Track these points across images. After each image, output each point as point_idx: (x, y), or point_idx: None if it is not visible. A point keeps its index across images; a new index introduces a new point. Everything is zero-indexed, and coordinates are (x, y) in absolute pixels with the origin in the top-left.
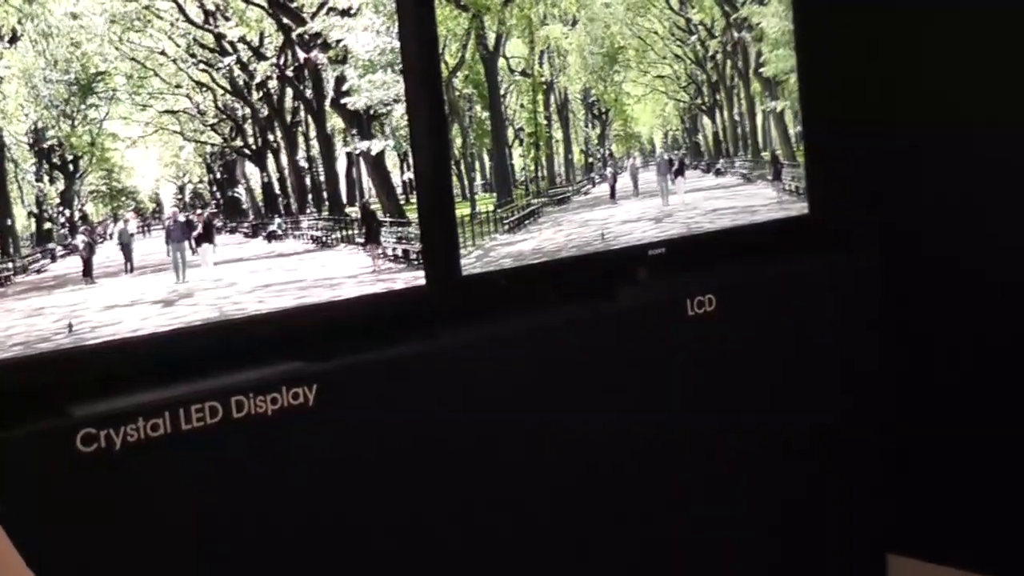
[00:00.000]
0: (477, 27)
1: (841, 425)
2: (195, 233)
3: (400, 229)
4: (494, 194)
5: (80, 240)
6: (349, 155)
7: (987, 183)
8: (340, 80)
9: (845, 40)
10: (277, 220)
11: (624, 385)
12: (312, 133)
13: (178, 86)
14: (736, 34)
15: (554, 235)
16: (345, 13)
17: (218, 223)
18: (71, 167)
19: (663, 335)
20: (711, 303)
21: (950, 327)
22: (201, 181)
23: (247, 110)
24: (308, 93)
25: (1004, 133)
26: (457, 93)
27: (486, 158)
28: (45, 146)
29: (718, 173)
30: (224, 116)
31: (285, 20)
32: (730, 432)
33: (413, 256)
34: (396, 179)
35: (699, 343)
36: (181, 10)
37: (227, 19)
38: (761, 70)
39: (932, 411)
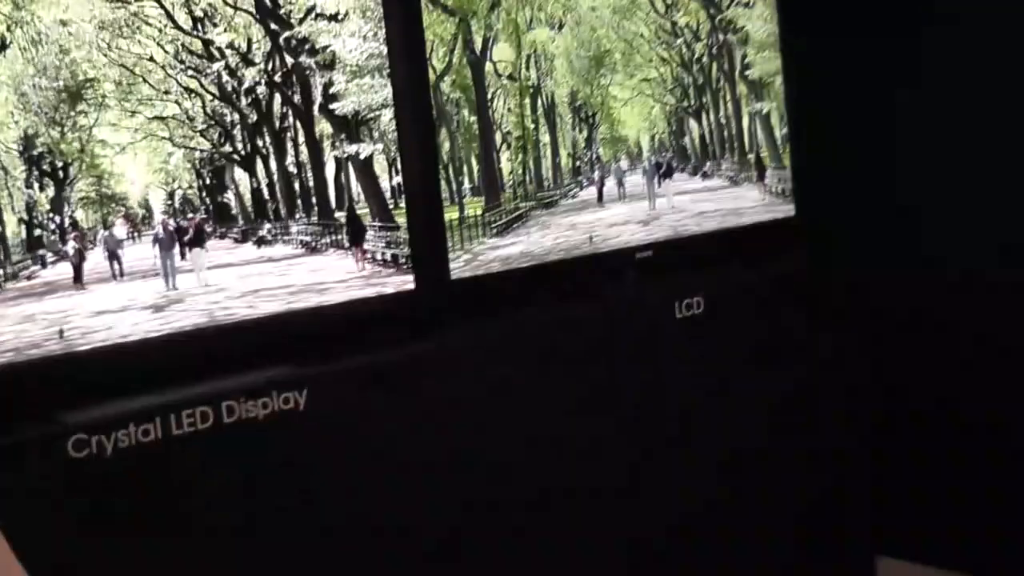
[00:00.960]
0: (464, 32)
1: (830, 427)
2: (186, 238)
3: (388, 233)
4: (482, 198)
5: (70, 246)
6: (337, 160)
7: (971, 186)
8: (328, 85)
9: (830, 42)
10: (267, 225)
11: (613, 387)
12: (300, 138)
13: (167, 92)
14: (721, 37)
15: (542, 239)
16: (333, 18)
17: (208, 228)
18: (61, 173)
19: (652, 337)
20: (699, 305)
21: (936, 328)
22: (191, 187)
23: (236, 116)
24: (296, 98)
25: (991, 135)
26: (445, 98)
27: (474, 162)
28: (35, 153)
29: (704, 176)
30: (213, 122)
31: (273, 26)
32: (719, 435)
33: (402, 260)
34: (385, 183)
35: (687, 345)
36: (169, 16)
37: (215, 25)
38: (747, 73)
39: (920, 413)
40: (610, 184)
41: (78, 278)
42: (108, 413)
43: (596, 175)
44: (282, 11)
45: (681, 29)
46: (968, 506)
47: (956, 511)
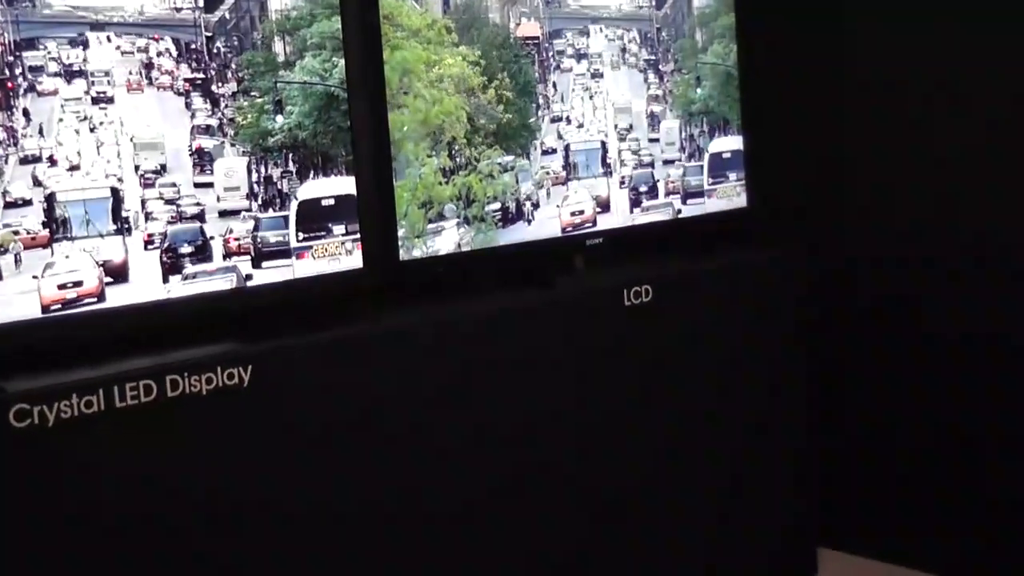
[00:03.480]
0: None
1: (772, 418)
2: None
3: None
4: None
5: None
6: None
7: (915, 181)
8: None
9: (782, 39)
10: None
11: (559, 373)
12: None
13: None
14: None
15: None
16: None
17: None
18: None
19: (600, 324)
20: (647, 293)
21: (886, 320)
22: None
23: None
24: None
25: (938, 133)
26: None
27: None
28: None
29: None
30: None
31: None
32: (663, 423)
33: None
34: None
35: (635, 333)
36: None
37: None
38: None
39: (865, 406)
40: None
41: None
42: (51, 384)
43: None
44: None
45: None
46: (906, 499)
47: (895, 504)
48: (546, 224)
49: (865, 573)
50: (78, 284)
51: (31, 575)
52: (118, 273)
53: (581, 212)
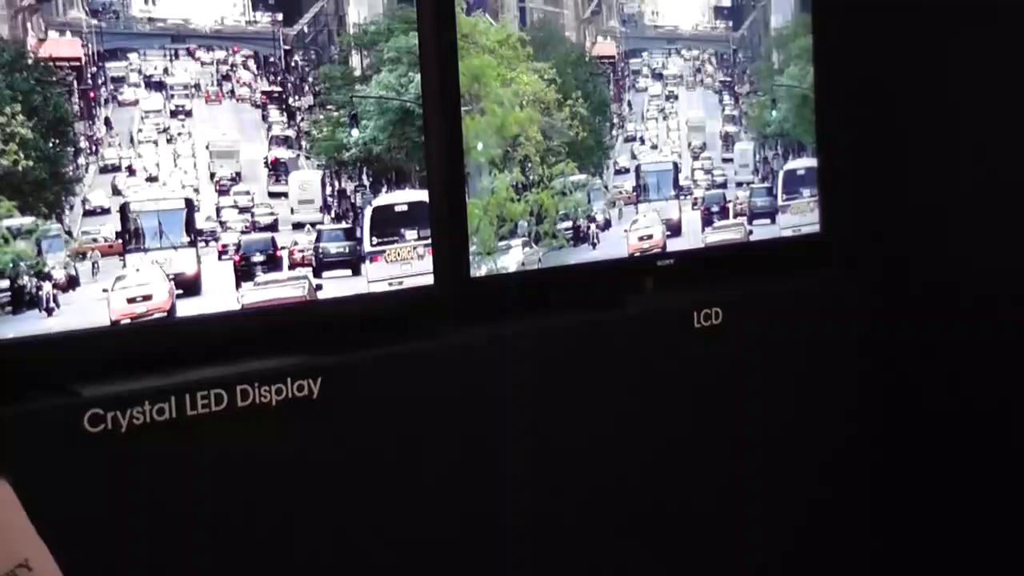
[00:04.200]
0: None
1: (841, 445)
2: None
3: None
4: None
5: None
6: None
7: (989, 206)
8: None
9: (861, 58)
10: None
11: (626, 394)
12: None
13: None
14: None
15: None
16: None
17: None
18: None
19: (669, 346)
20: (717, 316)
21: (957, 345)
22: None
23: None
24: None
25: (1014, 159)
26: None
27: None
28: None
29: None
30: None
31: None
32: (728, 446)
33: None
34: None
35: (704, 355)
36: None
37: None
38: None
39: (932, 433)
40: None
41: None
42: (124, 390)
43: None
44: None
45: None
46: (978, 534)
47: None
48: (615, 245)
49: None
50: (147, 298)
51: None
52: (190, 286)
53: (650, 237)
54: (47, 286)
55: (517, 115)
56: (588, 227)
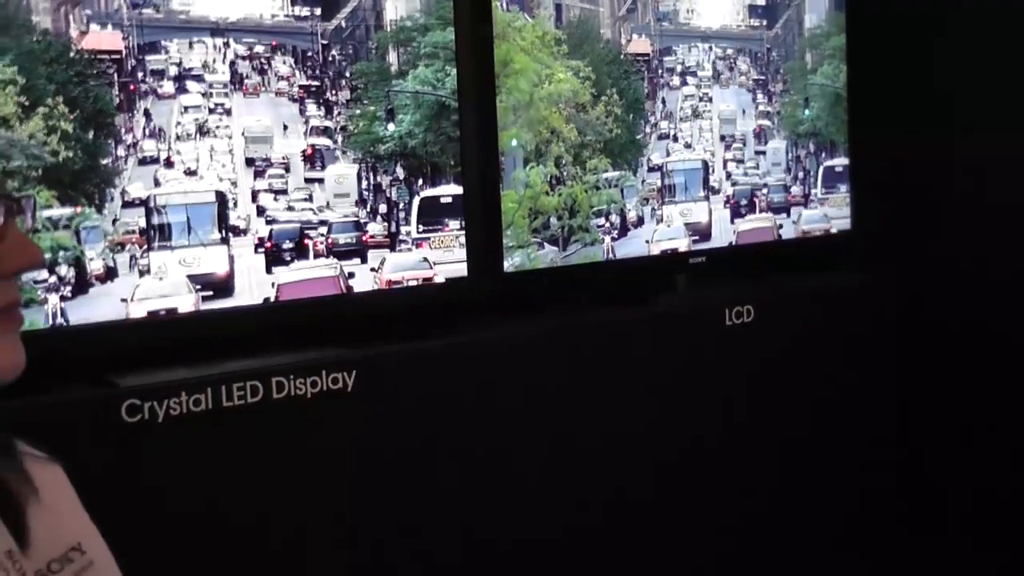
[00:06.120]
0: None
1: (868, 445)
2: None
3: None
4: None
5: None
6: None
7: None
8: None
9: (894, 57)
10: None
11: (657, 391)
12: None
13: None
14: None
15: None
16: None
17: None
18: None
19: (700, 344)
20: (749, 314)
21: (990, 345)
22: None
23: None
24: None
25: None
26: None
27: None
28: None
29: None
30: None
31: None
32: (757, 443)
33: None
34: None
35: (736, 353)
36: None
37: None
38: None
39: (956, 435)
40: None
41: None
42: (161, 381)
43: None
44: None
45: None
46: (1002, 534)
47: (988, 539)
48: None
49: None
50: (171, 311)
51: (134, 566)
52: (220, 287)
53: (674, 251)
54: (53, 297)
55: (551, 88)
56: (604, 239)
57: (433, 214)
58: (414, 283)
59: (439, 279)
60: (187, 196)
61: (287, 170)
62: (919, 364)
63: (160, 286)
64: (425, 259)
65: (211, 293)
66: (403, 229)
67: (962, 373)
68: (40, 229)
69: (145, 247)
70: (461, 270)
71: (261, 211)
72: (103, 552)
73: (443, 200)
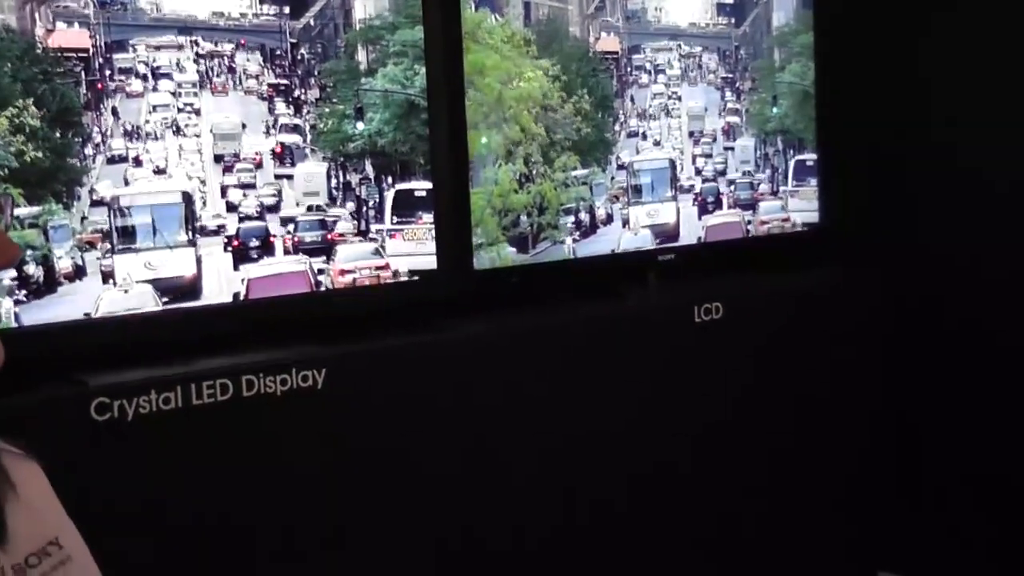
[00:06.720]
0: None
1: (839, 439)
2: None
3: None
4: None
5: None
6: None
7: (994, 202)
8: None
9: (862, 55)
10: None
11: (626, 388)
12: None
13: None
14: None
15: None
16: None
17: None
18: None
19: (669, 340)
20: (718, 311)
21: (951, 343)
22: None
23: None
24: None
25: (1019, 154)
26: None
27: None
28: None
29: None
30: None
31: None
32: (728, 440)
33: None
34: None
35: (704, 350)
36: None
37: None
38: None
39: (930, 424)
40: None
41: None
42: (131, 379)
43: None
44: None
45: None
46: (972, 525)
47: (960, 530)
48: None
49: None
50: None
51: (106, 563)
52: (186, 292)
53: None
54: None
55: (510, 92)
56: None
57: (407, 206)
58: (367, 272)
59: (395, 269)
60: (152, 196)
61: (259, 166)
62: (892, 358)
63: (124, 299)
64: (377, 250)
65: (171, 300)
66: (373, 227)
67: (936, 365)
68: (8, 227)
69: (108, 249)
70: (432, 262)
71: (231, 207)
72: (80, 546)
73: (417, 193)
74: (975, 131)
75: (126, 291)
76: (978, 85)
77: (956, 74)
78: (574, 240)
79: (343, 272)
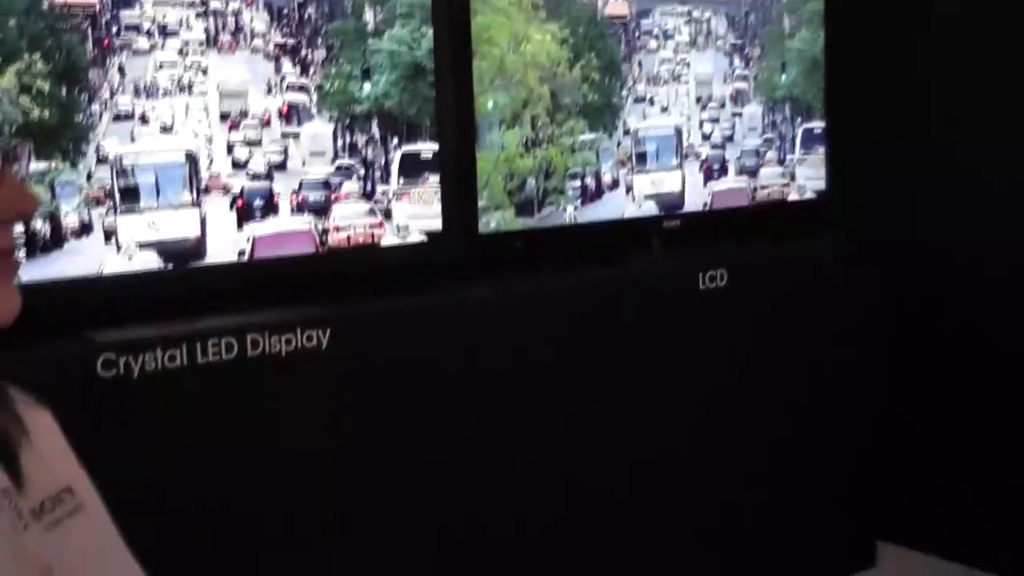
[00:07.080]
0: None
1: (839, 409)
2: None
3: None
4: None
5: None
6: None
7: (1001, 177)
8: None
9: (872, 26)
10: None
11: (629, 354)
12: None
13: None
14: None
15: None
16: None
17: None
18: None
19: (673, 307)
20: (722, 278)
21: (954, 318)
22: None
23: None
24: None
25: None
26: None
27: None
28: None
29: None
30: None
31: None
32: (729, 408)
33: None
34: None
35: (708, 317)
36: None
37: None
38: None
39: (929, 400)
40: None
41: None
42: (137, 336)
43: None
44: None
45: None
46: (972, 497)
47: (959, 501)
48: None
49: (924, 569)
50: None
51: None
52: (191, 254)
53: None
54: None
55: (514, 58)
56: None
57: (414, 168)
58: (361, 230)
59: (397, 223)
60: (156, 156)
61: (266, 124)
62: (892, 355)
63: (129, 265)
64: (372, 210)
65: (175, 264)
66: (379, 188)
67: (936, 364)
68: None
69: (109, 207)
70: (438, 224)
71: (236, 164)
72: (92, 495)
73: (423, 156)
74: (975, 128)
75: (130, 257)
76: (978, 83)
77: (956, 73)
78: (575, 208)
79: (337, 228)
